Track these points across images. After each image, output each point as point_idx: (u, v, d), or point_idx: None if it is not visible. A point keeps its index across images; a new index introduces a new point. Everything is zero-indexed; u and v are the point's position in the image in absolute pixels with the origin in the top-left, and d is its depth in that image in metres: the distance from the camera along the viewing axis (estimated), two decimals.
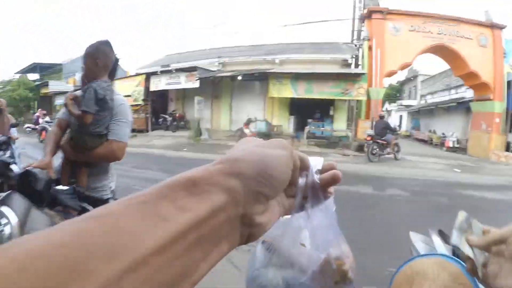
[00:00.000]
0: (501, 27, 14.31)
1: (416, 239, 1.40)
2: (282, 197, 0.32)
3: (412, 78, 32.34)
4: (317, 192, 0.34)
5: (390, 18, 13.20)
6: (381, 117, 10.82)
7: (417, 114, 27.52)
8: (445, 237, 1.34)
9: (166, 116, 15.30)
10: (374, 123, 10.81)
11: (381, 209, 5.26)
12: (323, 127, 12.50)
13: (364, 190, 6.39)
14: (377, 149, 9.81)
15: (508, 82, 13.87)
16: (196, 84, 13.30)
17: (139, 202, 0.22)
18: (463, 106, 18.00)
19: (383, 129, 9.93)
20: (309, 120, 12.62)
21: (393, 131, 10.57)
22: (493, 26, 14.16)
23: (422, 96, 29.11)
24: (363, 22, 13.72)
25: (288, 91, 12.15)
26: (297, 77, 12.00)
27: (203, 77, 13.22)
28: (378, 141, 9.79)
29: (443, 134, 18.38)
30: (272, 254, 0.43)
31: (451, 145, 16.28)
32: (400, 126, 26.93)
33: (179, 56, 18.10)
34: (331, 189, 0.36)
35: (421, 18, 13.44)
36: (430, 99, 26.11)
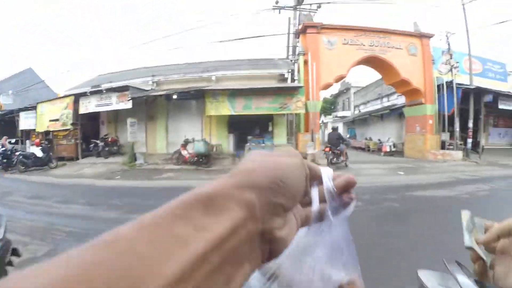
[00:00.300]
0: (429, 36, 15.81)
1: (431, 282, 1.15)
2: (298, 208, 0.32)
3: (345, 91, 35.20)
4: (335, 199, 0.34)
5: (324, 32, 13.94)
6: (334, 129, 12.35)
7: (352, 124, 29.53)
8: (465, 271, 1.12)
9: (98, 141, 14.38)
10: (327, 135, 12.00)
11: None
12: (263, 143, 12.55)
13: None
14: (334, 159, 11.10)
15: (438, 86, 15.30)
16: (129, 105, 12.71)
17: (153, 224, 0.21)
18: (395, 112, 19.64)
19: (337, 139, 11.30)
20: (249, 137, 12.61)
21: (344, 141, 12.04)
22: (421, 36, 15.61)
23: (355, 106, 31.50)
24: (298, 37, 14.26)
25: (226, 108, 12.04)
26: (234, 93, 11.98)
27: (135, 97, 12.67)
28: (334, 151, 11.09)
29: (379, 140, 19.70)
30: (272, 282, 0.35)
31: (388, 149, 17.47)
32: None
33: (111, 75, 17.36)
34: (352, 194, 0.35)
35: (354, 32, 14.37)
36: (364, 109, 28.25)
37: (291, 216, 0.30)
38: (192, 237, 0.20)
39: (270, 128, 13.29)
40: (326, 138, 13.00)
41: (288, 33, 15.01)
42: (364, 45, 14.36)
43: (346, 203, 0.34)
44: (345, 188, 0.34)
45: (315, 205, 0.33)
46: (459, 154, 14.75)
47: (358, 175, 10.11)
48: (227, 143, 13.32)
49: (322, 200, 0.33)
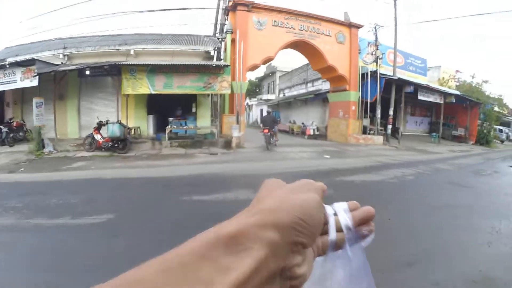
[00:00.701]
0: (358, 27, 16.29)
1: None
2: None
3: (270, 74, 35.96)
4: (352, 231, 0.34)
5: (254, 11, 13.52)
6: (269, 113, 12.88)
7: (276, 107, 30.00)
8: None
9: (1, 127, 12.26)
10: (262, 117, 12.75)
11: None
12: (185, 125, 11.73)
13: (243, 196, 5.29)
14: (271, 139, 11.82)
15: (362, 75, 15.93)
16: (35, 82, 10.99)
17: (178, 265, 0.21)
18: (319, 97, 20.34)
19: (272, 122, 11.93)
20: (170, 119, 11.68)
21: (277, 123, 12.73)
22: (351, 26, 16.00)
23: (280, 90, 32.52)
24: (227, 15, 13.59)
25: (144, 86, 10.92)
26: (154, 70, 10.92)
27: (43, 73, 10.96)
28: (270, 132, 11.69)
29: (303, 123, 20.25)
30: None
31: (311, 133, 18.02)
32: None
33: (19, 48, 15.05)
34: (371, 226, 0.35)
35: (285, 14, 14.15)
36: (288, 93, 29.22)
37: (309, 249, 0.30)
38: (217, 278, 0.21)
39: (193, 109, 12.49)
40: (259, 120, 12.74)
41: (217, 9, 14.23)
42: (294, 29, 14.25)
43: (364, 235, 0.34)
44: (363, 221, 0.34)
45: (332, 235, 0.32)
46: (380, 139, 15.57)
47: (286, 159, 10.04)
48: (146, 125, 12.25)
49: (339, 229, 0.33)
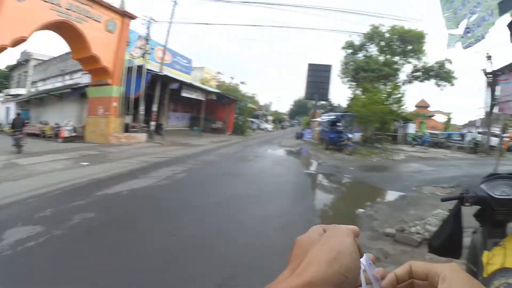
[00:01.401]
0: (132, 17, 17.49)
1: None
2: None
3: (24, 62, 30.12)
4: (379, 284, 0.38)
5: None
6: (19, 114, 13.86)
7: (27, 104, 25.90)
8: None
9: None
10: (13, 119, 13.06)
11: None
12: None
13: None
14: (22, 141, 12.27)
15: (129, 68, 17.02)
16: None
17: None
18: (77, 92, 19.31)
19: (22, 124, 12.80)
20: None
21: (26, 125, 13.78)
22: (124, 15, 16.93)
23: (33, 83, 28.11)
24: None
25: None
26: None
27: None
28: (20, 135, 12.24)
29: (56, 124, 18.30)
30: None
31: (67, 135, 16.83)
32: (7, 120, 24.28)
33: None
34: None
35: None
36: (42, 87, 25.81)
37: None
38: None
39: None
40: (5, 122, 12.04)
41: None
42: (60, 6, 13.22)
43: None
44: (382, 277, 0.39)
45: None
46: (143, 136, 17.06)
47: (32, 175, 7.80)
48: None
49: (367, 281, 0.38)
